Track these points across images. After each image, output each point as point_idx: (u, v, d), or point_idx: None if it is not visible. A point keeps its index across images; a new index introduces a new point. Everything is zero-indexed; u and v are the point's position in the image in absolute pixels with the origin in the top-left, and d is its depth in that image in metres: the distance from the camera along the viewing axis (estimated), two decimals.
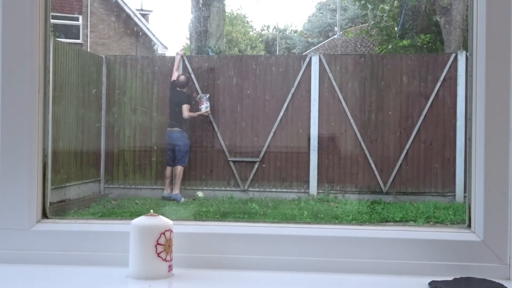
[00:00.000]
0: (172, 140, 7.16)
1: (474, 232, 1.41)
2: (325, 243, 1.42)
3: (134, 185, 7.41)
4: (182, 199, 6.94)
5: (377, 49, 9.63)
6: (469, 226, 1.44)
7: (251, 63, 7.52)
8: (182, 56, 7.42)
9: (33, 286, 1.32)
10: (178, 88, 7.20)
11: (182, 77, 7.24)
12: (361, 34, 10.37)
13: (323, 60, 7.30)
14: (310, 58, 7.36)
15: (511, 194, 1.37)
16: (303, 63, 7.33)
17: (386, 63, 7.35)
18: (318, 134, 7.18)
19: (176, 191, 7.01)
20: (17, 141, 1.44)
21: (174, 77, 7.26)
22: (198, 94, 7.29)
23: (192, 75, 7.37)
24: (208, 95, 7.23)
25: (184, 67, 7.41)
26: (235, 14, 17.03)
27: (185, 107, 7.10)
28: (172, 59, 7.54)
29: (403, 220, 5.89)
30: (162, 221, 1.35)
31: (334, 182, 7.16)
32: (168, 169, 7.10)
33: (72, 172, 6.94)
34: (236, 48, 15.79)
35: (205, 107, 7.16)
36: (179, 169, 7.06)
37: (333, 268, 1.40)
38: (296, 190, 7.19)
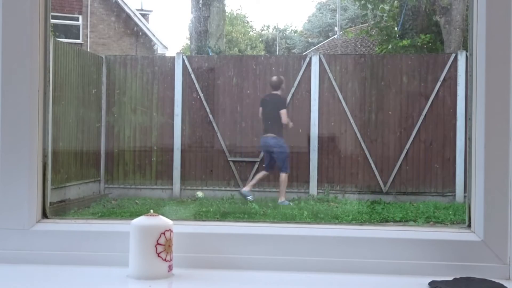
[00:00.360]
0: (267, 146, 6.91)
1: (474, 232, 1.41)
2: (325, 243, 1.42)
3: (134, 185, 7.41)
4: (287, 202, 6.75)
5: (377, 49, 9.63)
6: (469, 226, 1.44)
7: (251, 63, 7.52)
8: None
9: (33, 286, 1.32)
10: (272, 91, 6.98)
11: (275, 78, 7.03)
12: (361, 34, 10.37)
13: (323, 60, 7.30)
14: (310, 58, 7.36)
15: (511, 194, 1.37)
16: (303, 63, 7.34)
17: (386, 63, 7.36)
18: (318, 134, 7.18)
19: (282, 198, 6.80)
20: (17, 141, 1.44)
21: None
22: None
23: (192, 75, 7.37)
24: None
25: (184, 67, 7.40)
26: (235, 14, 17.03)
27: (283, 112, 6.79)
28: (172, 59, 7.54)
29: (403, 220, 5.89)
30: (162, 221, 1.35)
31: (334, 182, 7.17)
32: (265, 175, 6.91)
33: (72, 172, 6.94)
34: (236, 48, 15.79)
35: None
36: (283, 176, 6.83)
37: (333, 268, 1.40)
38: (296, 190, 7.19)
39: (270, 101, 6.98)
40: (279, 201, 6.81)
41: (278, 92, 6.95)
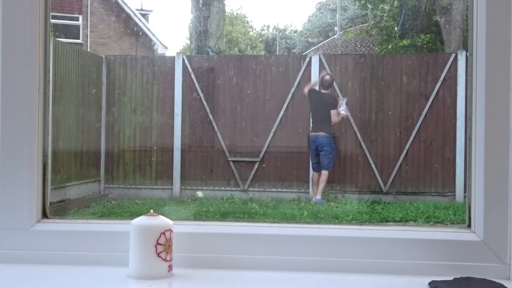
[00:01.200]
0: (317, 145, 6.84)
1: (474, 232, 1.41)
2: (325, 243, 1.42)
3: (134, 185, 7.41)
4: (322, 202, 6.68)
5: (377, 49, 9.63)
6: (469, 226, 1.44)
7: (251, 63, 7.52)
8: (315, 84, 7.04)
9: (33, 286, 1.32)
10: (322, 90, 6.95)
11: (328, 77, 6.97)
12: (361, 34, 10.37)
13: (323, 60, 7.30)
14: (310, 58, 7.36)
15: (511, 194, 1.37)
16: (303, 63, 7.34)
17: (386, 63, 7.36)
18: None
19: (319, 196, 6.73)
20: (17, 141, 1.44)
21: (309, 87, 6.99)
22: (338, 97, 7.04)
23: (192, 75, 7.37)
24: (346, 99, 6.90)
25: (184, 67, 7.40)
26: (235, 14, 17.02)
27: (334, 112, 6.82)
28: (172, 59, 7.54)
29: (403, 220, 5.89)
30: (162, 221, 1.35)
31: (334, 182, 7.16)
32: (315, 175, 6.85)
33: (72, 172, 6.94)
34: (236, 48, 15.78)
35: (343, 109, 6.83)
36: (325, 174, 6.75)
37: (333, 268, 1.40)
38: (296, 190, 7.19)
39: (322, 100, 6.97)
40: (315, 198, 6.74)
41: (328, 91, 6.95)
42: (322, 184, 6.76)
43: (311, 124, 7.04)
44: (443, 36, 8.52)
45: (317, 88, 7.05)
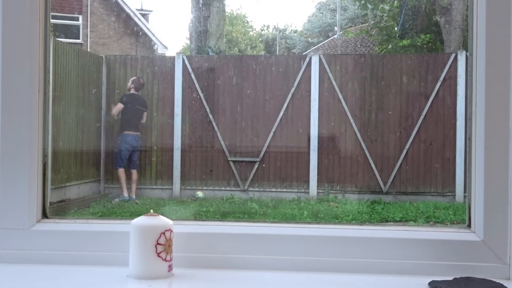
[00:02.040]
0: (137, 144, 7.24)
1: (474, 232, 1.41)
2: (325, 243, 1.42)
3: None
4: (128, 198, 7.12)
5: (377, 49, 9.63)
6: (469, 226, 1.44)
7: (251, 63, 7.52)
8: None
9: (33, 286, 1.32)
10: (136, 92, 7.31)
11: (142, 80, 7.38)
12: (361, 34, 10.37)
13: (323, 60, 7.30)
14: (310, 58, 7.36)
15: (511, 194, 1.37)
16: (303, 63, 7.34)
17: (386, 63, 7.35)
18: (318, 134, 7.18)
19: (133, 194, 7.18)
20: (17, 141, 1.44)
21: (128, 86, 7.36)
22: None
23: (192, 75, 7.37)
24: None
25: (184, 67, 7.41)
26: (235, 14, 17.01)
27: (145, 114, 7.35)
28: (172, 59, 7.54)
29: (403, 220, 5.89)
30: (162, 221, 1.35)
31: (334, 182, 7.16)
32: (124, 172, 7.22)
33: (72, 172, 6.94)
34: (236, 48, 15.78)
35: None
36: (136, 172, 7.22)
37: (333, 268, 1.40)
38: (296, 190, 7.19)
39: (135, 101, 7.30)
40: (132, 196, 7.08)
41: (140, 93, 7.34)
42: (135, 183, 7.19)
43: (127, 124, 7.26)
44: (443, 36, 8.52)
45: (133, 91, 7.32)
